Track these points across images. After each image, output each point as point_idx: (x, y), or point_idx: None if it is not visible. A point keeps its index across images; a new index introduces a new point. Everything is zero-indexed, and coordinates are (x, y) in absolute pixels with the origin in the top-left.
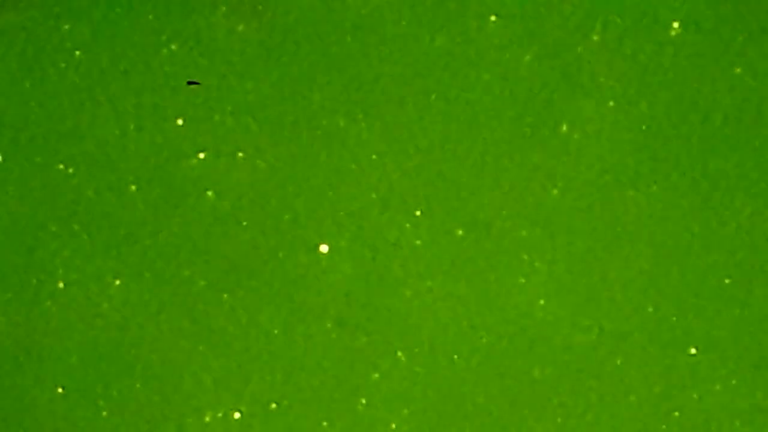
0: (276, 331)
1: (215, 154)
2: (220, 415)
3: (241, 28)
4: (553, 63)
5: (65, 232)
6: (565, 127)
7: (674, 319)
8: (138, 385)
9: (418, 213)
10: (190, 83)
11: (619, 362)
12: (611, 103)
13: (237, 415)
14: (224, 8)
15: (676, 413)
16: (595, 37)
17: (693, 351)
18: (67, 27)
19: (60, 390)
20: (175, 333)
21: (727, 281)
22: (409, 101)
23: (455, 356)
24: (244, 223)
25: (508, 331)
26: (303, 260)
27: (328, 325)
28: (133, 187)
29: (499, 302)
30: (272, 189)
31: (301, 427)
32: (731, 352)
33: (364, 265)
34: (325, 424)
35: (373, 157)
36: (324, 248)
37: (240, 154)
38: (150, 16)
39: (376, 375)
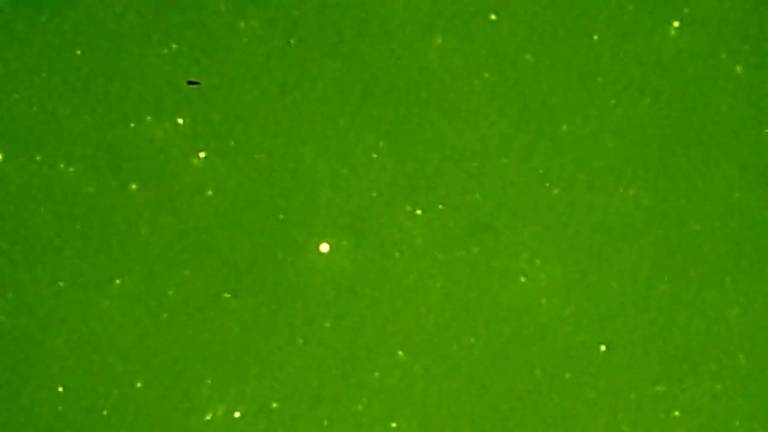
0: (276, 331)
1: (215, 154)
2: (220, 414)
3: (242, 26)
4: (553, 63)
5: (65, 232)
6: (565, 127)
7: (675, 317)
8: (138, 385)
9: (418, 213)
10: (190, 83)
11: (620, 361)
12: (611, 103)
13: (237, 415)
14: (224, 7)
15: (677, 412)
16: (595, 37)
17: (703, 349)
18: (67, 26)
19: (60, 390)
20: (175, 333)
21: (727, 280)
22: (410, 101)
23: (455, 356)
24: (244, 223)
25: (508, 331)
26: (303, 260)
27: (328, 325)
28: (133, 187)
29: (499, 302)
30: (272, 189)
31: (301, 427)
32: (728, 354)
33: (364, 264)
34: (325, 423)
35: (373, 156)
36: (324, 248)
37: (240, 154)
38: (150, 16)
39: (376, 375)
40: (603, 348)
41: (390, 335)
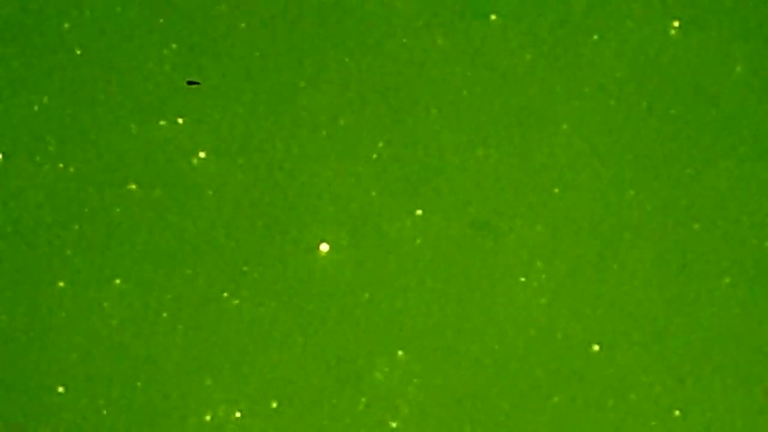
0: (276, 331)
1: (215, 154)
2: (220, 414)
3: (242, 26)
4: (553, 63)
5: (65, 232)
6: (565, 127)
7: (674, 317)
8: (138, 385)
9: (418, 212)
10: (190, 83)
11: (620, 361)
12: (611, 103)
13: (237, 415)
14: (224, 7)
15: (677, 411)
16: (595, 37)
17: (701, 349)
18: (67, 26)
19: (60, 389)
20: (175, 333)
21: (727, 279)
22: (410, 101)
23: (455, 356)
24: (244, 223)
25: (508, 331)
26: (303, 260)
27: (329, 324)
28: (133, 187)
29: (499, 302)
30: (272, 188)
31: (301, 427)
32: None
33: (364, 264)
34: (325, 423)
35: (373, 156)
36: (324, 248)
37: (240, 154)
38: (150, 16)
39: (377, 375)
40: (603, 347)
41: (390, 335)
